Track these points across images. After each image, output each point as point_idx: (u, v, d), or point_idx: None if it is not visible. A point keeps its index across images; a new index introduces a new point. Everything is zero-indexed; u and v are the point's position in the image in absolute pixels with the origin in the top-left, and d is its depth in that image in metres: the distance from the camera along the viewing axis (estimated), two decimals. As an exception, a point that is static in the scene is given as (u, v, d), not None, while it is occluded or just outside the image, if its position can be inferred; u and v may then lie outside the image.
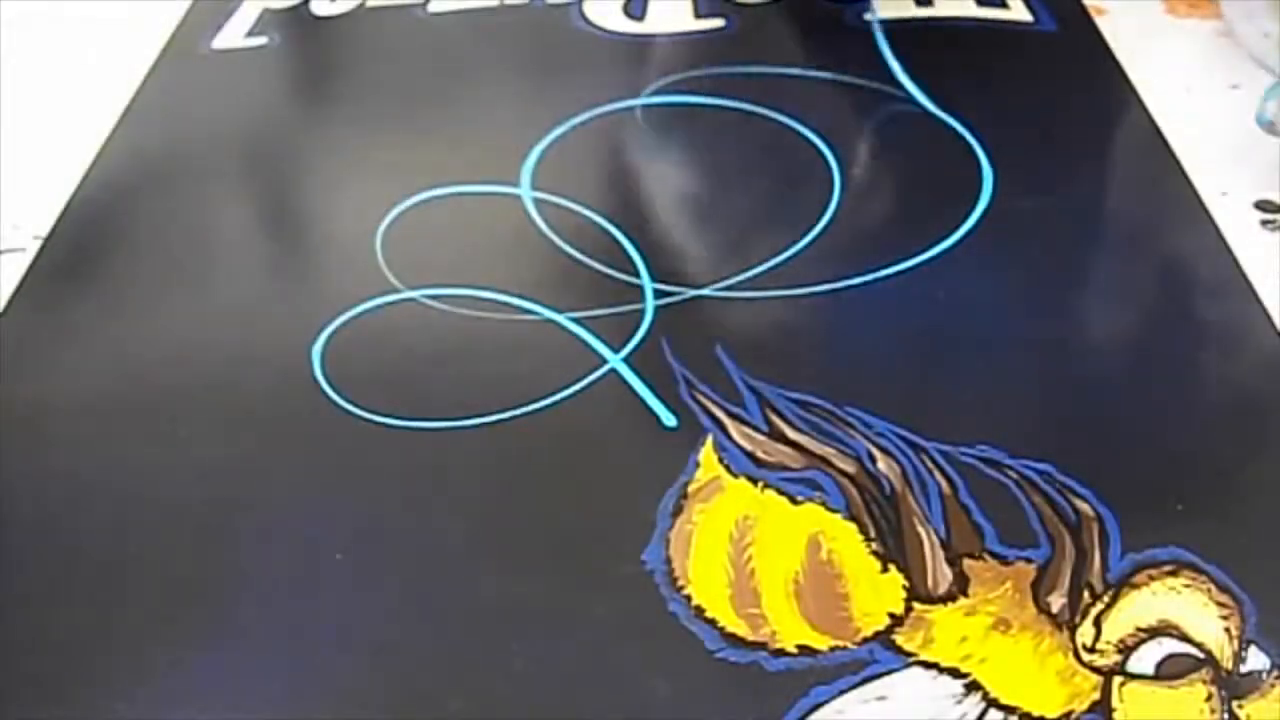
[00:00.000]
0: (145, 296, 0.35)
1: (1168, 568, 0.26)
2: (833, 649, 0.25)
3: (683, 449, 0.29)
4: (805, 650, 0.25)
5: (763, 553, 0.27)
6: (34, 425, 0.31)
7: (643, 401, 0.30)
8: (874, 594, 0.26)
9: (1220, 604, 0.25)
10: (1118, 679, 0.24)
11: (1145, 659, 0.24)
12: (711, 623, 0.25)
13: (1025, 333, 0.32)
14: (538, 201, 0.37)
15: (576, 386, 0.31)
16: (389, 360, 0.32)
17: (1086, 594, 0.26)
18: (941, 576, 0.26)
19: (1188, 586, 0.26)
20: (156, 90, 0.43)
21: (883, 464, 0.28)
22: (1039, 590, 0.26)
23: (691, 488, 0.28)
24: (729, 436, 0.29)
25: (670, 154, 0.39)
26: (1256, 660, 0.24)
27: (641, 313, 0.33)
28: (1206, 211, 0.36)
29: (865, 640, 0.25)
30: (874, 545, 0.27)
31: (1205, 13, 0.46)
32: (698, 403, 0.30)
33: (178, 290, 0.35)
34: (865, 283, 0.33)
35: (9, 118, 0.43)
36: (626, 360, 0.31)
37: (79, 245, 0.37)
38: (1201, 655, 0.24)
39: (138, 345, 0.33)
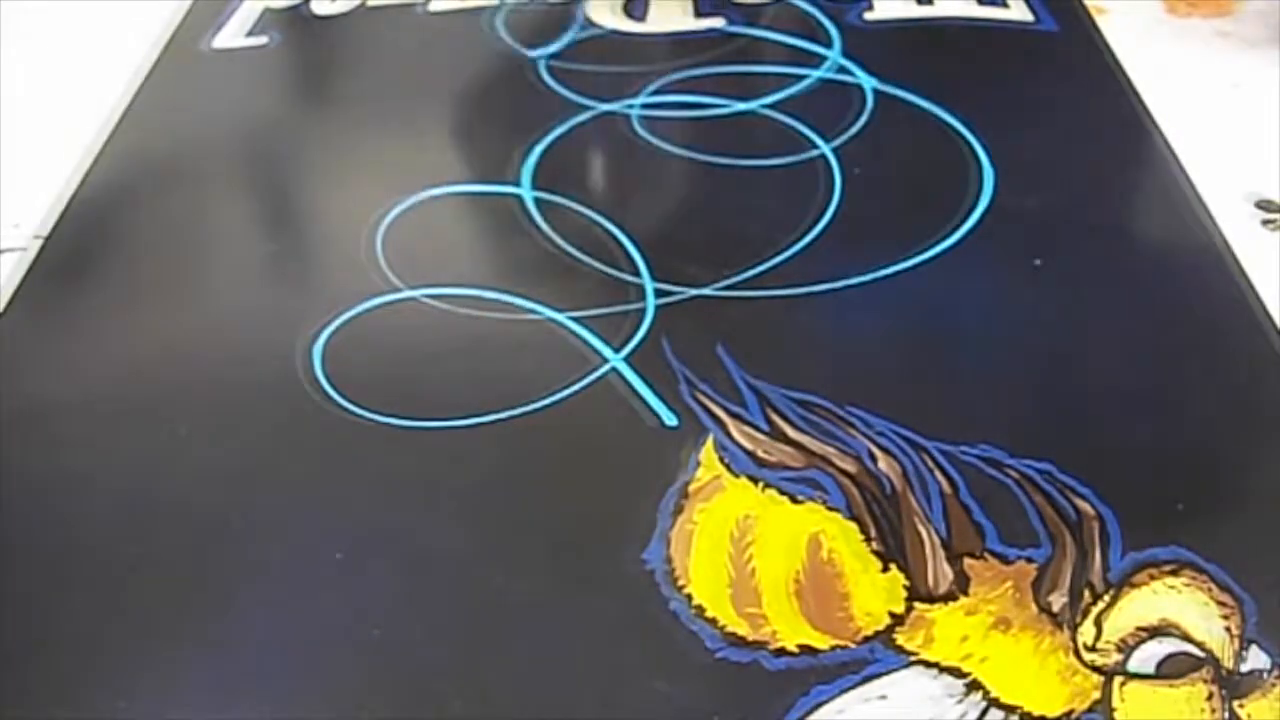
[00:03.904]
0: (145, 295, 0.35)
1: (1169, 567, 0.26)
2: (833, 648, 0.25)
3: (684, 448, 0.29)
4: (806, 649, 0.25)
5: (763, 552, 0.27)
6: (34, 424, 0.31)
7: (643, 401, 0.30)
8: (875, 593, 0.26)
9: (1221, 603, 0.25)
10: (1118, 678, 0.24)
11: (1146, 658, 0.24)
12: (712, 622, 0.25)
13: (1025, 332, 0.32)
14: (538, 201, 0.37)
15: (577, 386, 0.31)
16: (389, 359, 0.32)
17: (1087, 593, 0.26)
18: (942, 576, 0.26)
19: (1189, 586, 0.26)
20: (157, 90, 0.43)
21: (883, 463, 0.28)
22: (1040, 589, 0.26)
23: (692, 487, 0.28)
24: (730, 436, 0.29)
25: (669, 153, 0.39)
26: (1257, 659, 0.24)
27: (642, 312, 0.33)
28: (1206, 211, 0.36)
29: (866, 639, 0.25)
30: (875, 545, 0.27)
31: (1205, 12, 0.46)
32: (698, 402, 0.30)
33: (178, 289, 0.35)
34: (865, 281, 0.33)
35: (10, 118, 0.43)
36: (627, 360, 0.31)
37: (79, 245, 0.36)
38: (1202, 654, 0.24)
39: (137, 344, 0.33)
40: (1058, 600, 0.25)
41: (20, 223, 0.37)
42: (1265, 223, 0.36)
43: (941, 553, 0.26)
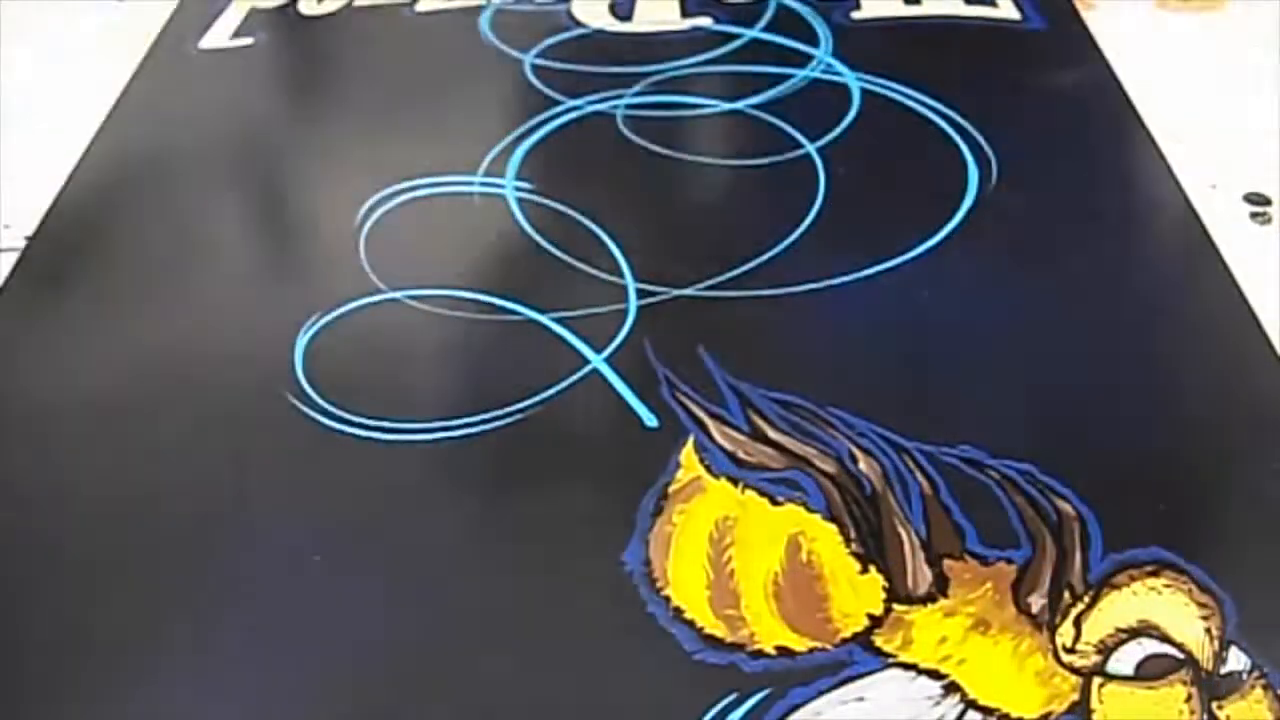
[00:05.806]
0: (130, 296, 0.35)
1: (1149, 568, 0.26)
2: (811, 650, 0.25)
3: (664, 449, 0.29)
4: (783, 651, 0.25)
5: (743, 554, 0.27)
6: (22, 424, 0.31)
7: (624, 402, 0.30)
8: (853, 595, 0.26)
9: (1201, 604, 0.25)
10: (1097, 680, 0.24)
11: (1125, 659, 0.24)
12: (690, 624, 0.25)
13: (1008, 332, 0.32)
14: (522, 201, 0.37)
15: (558, 387, 0.30)
16: (371, 361, 0.32)
17: (1067, 594, 0.25)
18: (921, 577, 0.26)
19: (1169, 587, 0.25)
20: (143, 90, 0.43)
21: (864, 464, 0.28)
22: (1019, 591, 0.26)
23: (672, 488, 0.28)
24: (710, 437, 0.29)
25: (654, 153, 0.39)
26: (1237, 661, 0.24)
27: (624, 312, 0.33)
28: (1193, 207, 0.35)
29: (844, 641, 0.25)
30: (854, 546, 0.27)
31: (1195, 6, 0.46)
32: (679, 403, 0.30)
33: (162, 291, 0.35)
34: (848, 282, 0.33)
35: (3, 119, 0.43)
36: (609, 360, 0.31)
37: (65, 246, 0.36)
38: (1182, 656, 0.24)
39: (123, 345, 0.33)
40: (1037, 601, 0.25)
41: (11, 223, 0.37)
42: (1254, 215, 0.36)
43: (921, 554, 0.26)
